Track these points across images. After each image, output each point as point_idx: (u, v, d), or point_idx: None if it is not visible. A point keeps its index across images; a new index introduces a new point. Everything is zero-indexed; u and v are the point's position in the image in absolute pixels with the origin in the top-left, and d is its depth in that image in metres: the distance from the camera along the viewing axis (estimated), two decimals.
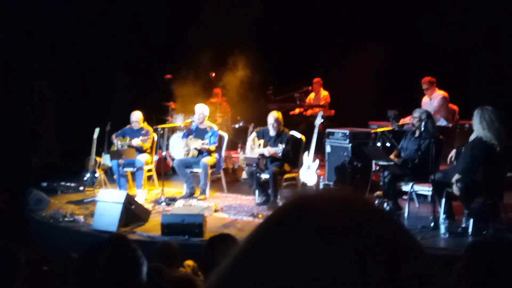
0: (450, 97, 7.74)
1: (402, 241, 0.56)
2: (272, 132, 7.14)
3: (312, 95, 9.92)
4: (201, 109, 7.72)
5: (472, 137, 5.50)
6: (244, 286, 0.53)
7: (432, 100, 7.75)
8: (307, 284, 0.51)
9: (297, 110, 9.63)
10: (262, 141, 7.18)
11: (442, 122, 7.65)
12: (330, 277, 0.50)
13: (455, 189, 5.42)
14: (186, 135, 7.81)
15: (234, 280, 0.54)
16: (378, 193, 6.30)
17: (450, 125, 7.74)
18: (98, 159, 7.99)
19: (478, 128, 5.35)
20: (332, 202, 0.57)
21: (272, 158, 7.00)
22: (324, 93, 9.79)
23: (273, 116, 7.11)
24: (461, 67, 8.70)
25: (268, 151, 6.92)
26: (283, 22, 10.25)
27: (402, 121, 7.57)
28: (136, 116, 7.84)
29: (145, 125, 7.95)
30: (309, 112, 9.58)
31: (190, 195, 7.40)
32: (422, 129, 6.16)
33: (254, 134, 7.43)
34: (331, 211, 0.55)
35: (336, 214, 0.55)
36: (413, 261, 0.55)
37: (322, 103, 9.62)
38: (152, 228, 6.04)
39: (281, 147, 6.79)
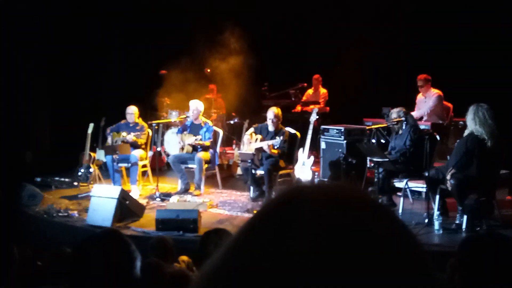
0: (444, 94, 7.76)
1: (399, 235, 0.55)
2: (270, 128, 7.15)
3: (310, 91, 9.90)
4: (195, 105, 7.70)
5: (465, 133, 5.54)
6: (236, 277, 0.52)
7: (427, 98, 7.76)
8: (301, 276, 0.50)
9: (298, 108, 9.60)
10: (259, 136, 7.19)
11: (437, 121, 7.66)
12: (325, 269, 0.50)
13: (449, 185, 5.45)
14: (180, 131, 7.79)
15: (226, 271, 0.53)
16: (372, 188, 6.32)
17: (445, 123, 7.76)
18: (92, 154, 7.97)
19: (471, 124, 5.40)
20: (328, 193, 0.56)
21: (268, 154, 7.00)
22: (323, 90, 9.78)
23: (272, 112, 7.12)
24: (456, 64, 8.72)
25: (267, 143, 6.92)
26: (279, 18, 10.23)
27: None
28: (132, 109, 7.83)
29: (140, 121, 7.93)
30: (300, 108, 9.59)
31: (185, 190, 7.39)
32: (404, 127, 6.25)
33: (252, 129, 7.44)
34: (327, 202, 0.55)
35: (332, 205, 0.54)
36: (410, 256, 0.54)
37: (321, 100, 9.61)
38: (146, 223, 6.03)
39: (278, 139, 6.80)
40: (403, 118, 6.31)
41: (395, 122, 6.36)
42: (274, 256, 0.51)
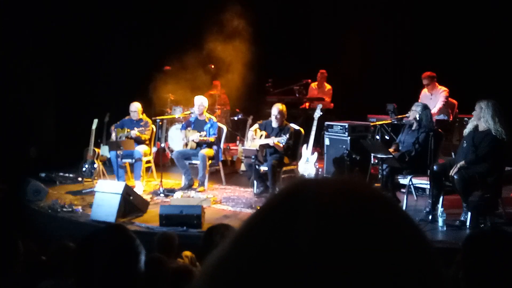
0: (450, 91, 7.72)
1: (406, 228, 0.55)
2: (274, 124, 7.13)
3: (313, 85, 9.84)
4: (201, 101, 7.70)
5: (482, 128, 5.42)
6: (240, 271, 0.52)
7: (433, 95, 7.71)
8: (306, 269, 0.50)
9: (307, 104, 9.56)
10: (264, 133, 7.18)
11: (443, 117, 7.62)
12: (330, 261, 0.50)
13: (455, 182, 5.41)
14: (184, 127, 7.80)
15: (230, 265, 0.53)
16: (377, 185, 6.31)
17: (451, 119, 7.73)
18: (96, 150, 7.98)
19: (489, 121, 5.28)
20: (332, 186, 0.56)
21: (272, 150, 6.99)
22: (328, 86, 9.75)
23: (277, 108, 7.10)
24: (461, 60, 8.68)
25: (273, 141, 6.92)
26: (282, 14, 10.21)
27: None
28: (135, 106, 7.84)
29: (144, 117, 7.94)
30: (308, 104, 9.56)
31: (189, 186, 7.40)
32: (416, 123, 6.19)
33: (256, 125, 7.42)
34: (331, 194, 0.54)
35: (337, 197, 0.54)
36: (418, 250, 0.54)
37: (326, 96, 9.57)
38: (150, 219, 6.05)
39: (284, 137, 6.79)
40: (418, 113, 6.20)
41: (401, 119, 6.31)
42: (279, 249, 0.51)
